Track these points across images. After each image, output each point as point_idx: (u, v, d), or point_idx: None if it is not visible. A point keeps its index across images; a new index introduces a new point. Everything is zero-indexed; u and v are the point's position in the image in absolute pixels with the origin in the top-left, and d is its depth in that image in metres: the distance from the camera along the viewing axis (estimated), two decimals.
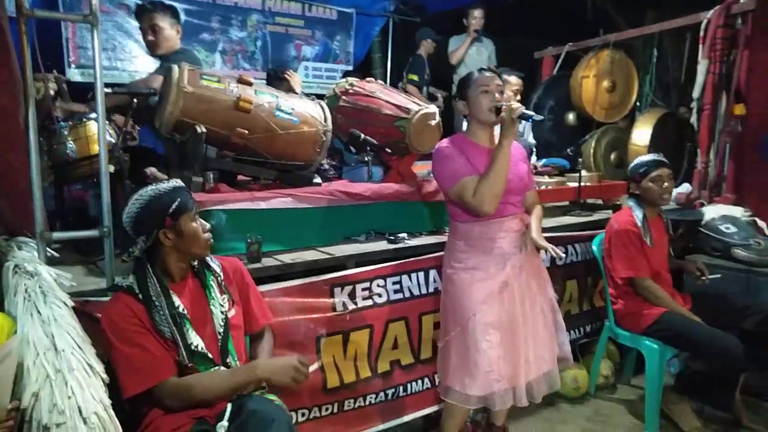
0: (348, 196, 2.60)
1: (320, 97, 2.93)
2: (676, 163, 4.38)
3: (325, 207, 2.56)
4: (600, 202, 3.91)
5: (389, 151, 2.97)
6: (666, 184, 2.76)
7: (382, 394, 2.48)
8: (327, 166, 3.20)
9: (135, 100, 2.33)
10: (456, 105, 2.33)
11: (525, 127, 4.36)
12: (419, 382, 2.59)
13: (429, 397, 2.62)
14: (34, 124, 1.71)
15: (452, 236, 2.32)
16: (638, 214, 2.77)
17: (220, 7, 5.31)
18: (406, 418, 2.57)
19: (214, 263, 1.89)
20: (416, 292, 2.55)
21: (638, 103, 4.89)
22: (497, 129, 2.22)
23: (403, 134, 2.80)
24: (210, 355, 1.72)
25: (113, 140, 2.40)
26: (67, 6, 4.48)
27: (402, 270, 2.52)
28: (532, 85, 5.04)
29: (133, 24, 4.79)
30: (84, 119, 2.38)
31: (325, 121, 2.63)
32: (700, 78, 3.99)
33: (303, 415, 2.25)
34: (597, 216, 3.52)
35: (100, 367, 1.54)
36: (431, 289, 2.57)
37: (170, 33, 2.84)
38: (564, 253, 3.11)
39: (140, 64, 4.90)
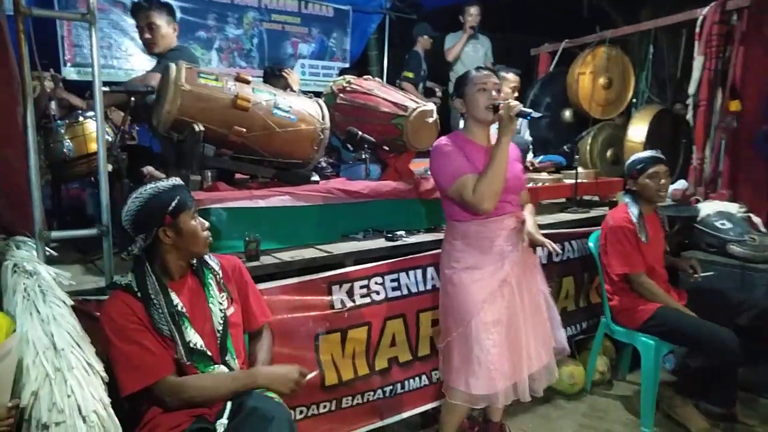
0: (346, 194, 2.61)
1: (317, 94, 2.93)
2: (672, 159, 4.40)
3: (323, 205, 2.56)
4: (596, 198, 3.92)
5: (387, 148, 2.98)
6: (663, 180, 2.78)
7: (380, 391, 2.49)
8: (324, 164, 3.21)
9: (133, 99, 2.32)
10: (453, 103, 2.34)
11: (522, 124, 4.36)
12: (417, 379, 2.61)
13: (427, 394, 2.63)
14: (32, 122, 1.71)
15: (450, 236, 2.31)
16: (634, 211, 2.78)
17: (216, 4, 5.31)
18: (404, 415, 2.58)
19: (212, 261, 1.89)
20: (414, 290, 2.56)
21: (634, 100, 4.90)
22: (494, 128, 2.23)
23: (401, 132, 2.81)
24: (209, 353, 1.73)
25: (110, 139, 2.40)
26: (62, 4, 4.47)
27: (400, 267, 2.53)
28: (529, 82, 5.05)
29: (129, 22, 4.77)
30: (81, 117, 2.37)
31: (323, 119, 2.63)
32: (695, 74, 4.01)
33: (301, 412, 2.26)
34: (593, 213, 3.53)
35: (99, 366, 1.55)
36: (429, 287, 2.58)
37: (167, 31, 2.83)
38: (561, 249, 3.13)
39: (136, 62, 4.89)
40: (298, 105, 2.59)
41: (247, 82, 2.48)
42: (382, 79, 5.56)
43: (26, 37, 1.72)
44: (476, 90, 2.17)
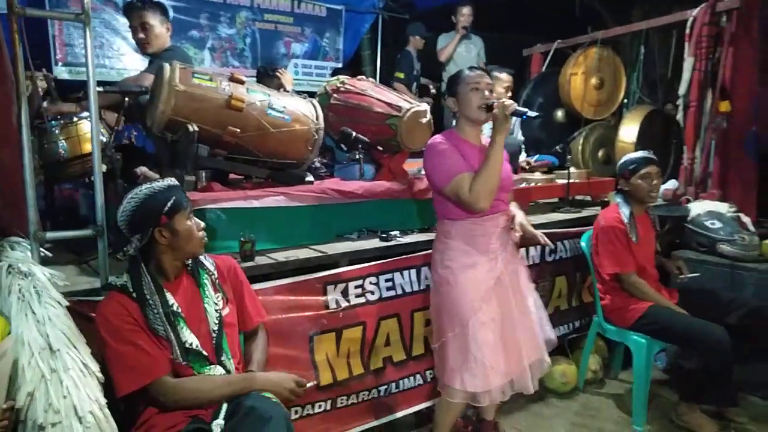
0: (340, 194, 2.61)
1: (311, 94, 2.94)
2: (663, 159, 4.44)
3: (317, 205, 2.56)
4: (588, 198, 3.95)
5: (381, 148, 2.99)
6: (655, 181, 2.81)
7: (374, 390, 2.50)
8: (318, 164, 3.21)
9: (127, 99, 2.31)
10: (446, 102, 2.35)
11: (515, 124, 4.39)
12: (411, 378, 2.62)
13: (421, 394, 2.65)
14: (26, 122, 1.71)
15: (443, 235, 2.29)
16: (625, 211, 2.81)
17: (209, 3, 5.29)
18: (399, 415, 2.60)
19: (208, 262, 1.89)
20: (408, 289, 2.57)
21: (626, 100, 4.94)
22: (487, 127, 2.24)
23: (395, 132, 2.82)
24: (204, 353, 1.73)
25: (105, 139, 2.39)
26: (54, 3, 4.45)
27: (394, 267, 2.54)
28: (521, 82, 5.08)
29: (121, 21, 4.76)
30: (75, 118, 2.36)
31: (317, 119, 2.64)
32: (686, 75, 4.05)
33: (296, 412, 2.26)
34: (585, 213, 3.56)
35: (95, 367, 1.55)
36: (423, 286, 2.60)
37: (160, 31, 2.82)
38: (553, 249, 3.16)
39: (128, 62, 4.88)
40: (293, 105, 2.59)
41: (242, 83, 2.48)
42: (375, 79, 5.58)
43: (19, 37, 1.71)
44: (469, 89, 2.19)
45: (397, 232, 2.71)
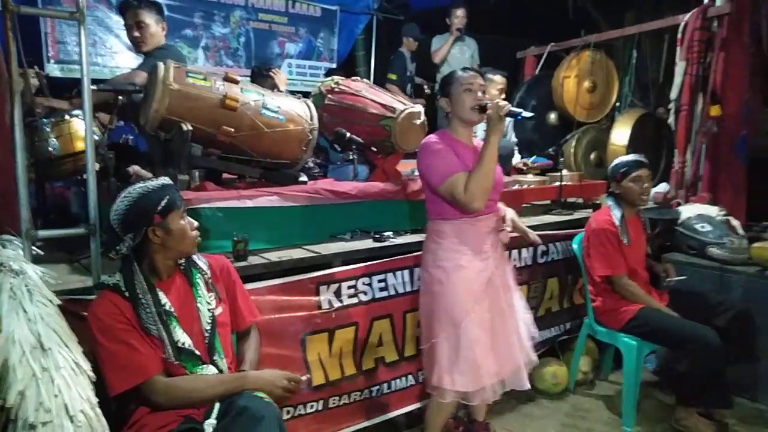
0: (334, 195, 2.62)
1: (305, 94, 2.94)
2: (654, 162, 4.47)
3: (311, 205, 2.57)
4: (580, 201, 3.98)
5: (375, 149, 3.00)
6: (646, 184, 2.83)
7: (366, 391, 2.51)
8: (312, 165, 3.21)
9: (120, 98, 2.30)
10: (438, 102, 2.35)
11: (508, 126, 4.41)
12: (403, 379, 2.63)
13: (413, 394, 2.66)
14: (19, 120, 1.70)
15: (435, 235, 2.28)
16: (616, 214, 2.83)
17: (203, 2, 5.28)
18: (390, 415, 2.61)
19: (200, 261, 1.89)
20: (401, 290, 2.58)
21: (618, 104, 4.97)
22: (481, 127, 2.25)
23: (389, 133, 2.82)
24: (197, 353, 1.73)
25: (97, 137, 2.38)
26: (47, 0, 4.42)
27: (387, 268, 2.55)
28: (515, 85, 5.10)
29: (114, 19, 4.75)
30: (67, 116, 2.35)
31: (312, 119, 2.64)
32: (677, 79, 4.08)
33: (288, 412, 2.26)
34: (577, 215, 3.58)
35: (87, 366, 1.55)
36: (416, 287, 2.60)
37: (156, 29, 2.81)
38: (545, 250, 3.18)
39: (121, 60, 4.86)
40: (287, 105, 2.59)
41: (236, 82, 2.48)
42: (369, 79, 5.57)
43: (14, 34, 1.71)
44: (462, 90, 2.19)
45: (390, 233, 2.72)
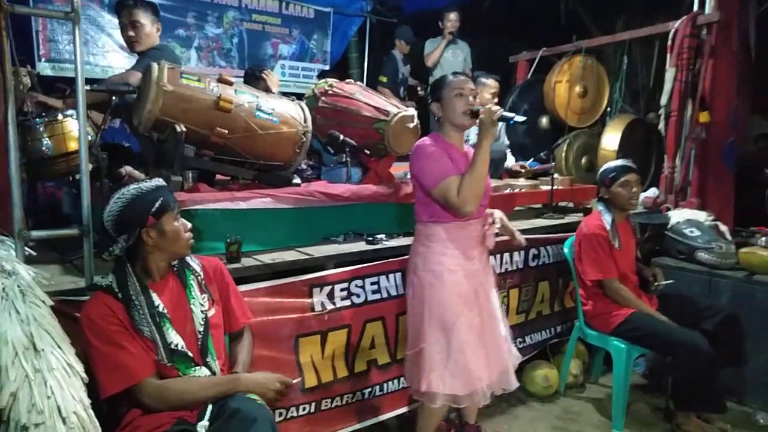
0: (327, 197, 2.62)
1: (298, 96, 2.94)
2: (644, 167, 4.52)
3: (304, 208, 2.57)
4: (571, 205, 4.01)
5: (368, 152, 3.00)
6: (634, 189, 2.86)
7: (359, 393, 2.52)
8: (305, 167, 3.22)
9: (114, 98, 2.30)
10: (430, 107, 2.35)
11: (501, 129, 4.44)
12: (395, 381, 2.63)
13: (404, 397, 2.66)
14: (13, 120, 1.69)
15: (426, 239, 2.26)
16: (607, 218, 2.86)
17: (196, 3, 5.27)
18: (382, 418, 2.61)
19: (194, 262, 1.89)
20: (393, 293, 2.59)
21: (609, 109, 5.02)
22: (473, 131, 2.26)
23: (382, 136, 2.83)
24: (190, 354, 1.73)
25: (91, 138, 2.37)
26: None
27: (380, 270, 2.56)
28: (507, 89, 5.13)
29: (107, 18, 4.73)
30: (60, 116, 2.34)
31: (305, 121, 2.64)
32: (667, 85, 4.12)
33: (280, 414, 2.26)
34: (568, 219, 3.60)
35: (79, 367, 1.54)
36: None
37: (150, 30, 2.81)
38: (536, 254, 3.20)
39: (113, 59, 4.84)
40: (281, 108, 2.60)
41: (230, 84, 2.48)
42: (362, 82, 5.58)
43: (7, 34, 1.70)
44: (453, 95, 2.20)
45: (383, 236, 2.73)
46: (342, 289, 2.44)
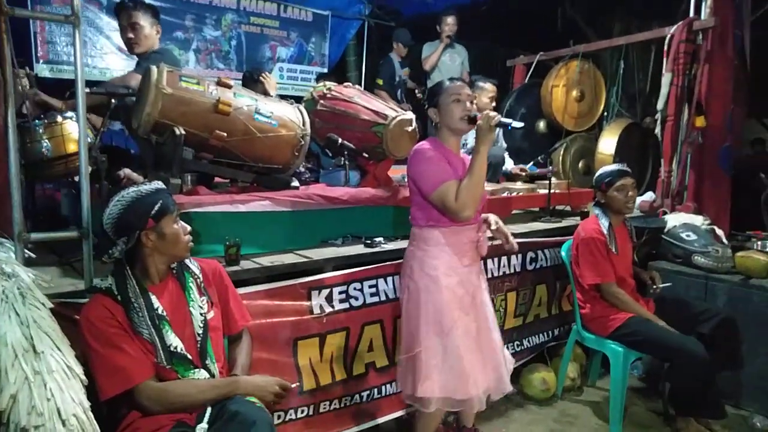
0: (326, 200, 2.63)
1: (296, 98, 2.95)
2: (641, 171, 4.54)
3: (302, 210, 2.58)
4: (569, 208, 4.02)
5: (366, 155, 3.01)
6: (630, 193, 2.88)
7: (357, 396, 2.52)
8: (303, 170, 3.22)
9: (113, 101, 2.30)
10: (427, 112, 2.35)
11: (498, 133, 4.45)
12: (393, 384, 2.63)
13: (402, 400, 2.66)
14: (13, 122, 1.69)
15: (423, 243, 2.26)
16: (604, 223, 2.87)
17: (194, 5, 5.28)
18: (380, 421, 2.61)
19: (193, 265, 1.89)
20: (392, 296, 2.59)
21: (606, 113, 5.04)
22: (470, 135, 2.27)
23: (380, 139, 2.84)
24: (189, 357, 1.73)
25: (90, 140, 2.37)
26: (36, 0, 4.39)
27: (378, 273, 2.56)
28: (505, 93, 5.15)
29: (105, 20, 4.74)
30: (59, 118, 2.34)
31: (304, 125, 2.65)
32: (663, 90, 4.14)
33: (279, 417, 2.26)
34: (566, 222, 3.62)
35: (79, 369, 1.54)
36: None
37: (150, 32, 2.82)
38: (534, 257, 3.21)
39: (111, 61, 4.85)
40: (280, 111, 2.60)
41: (229, 87, 2.48)
42: (360, 85, 5.60)
43: (7, 37, 1.70)
44: (451, 101, 2.20)
45: (381, 239, 2.74)
46: (340, 292, 2.45)
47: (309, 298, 2.36)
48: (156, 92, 2.24)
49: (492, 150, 2.40)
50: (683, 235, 3.39)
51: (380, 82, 5.55)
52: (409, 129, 2.89)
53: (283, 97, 3.05)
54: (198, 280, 1.87)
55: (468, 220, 2.19)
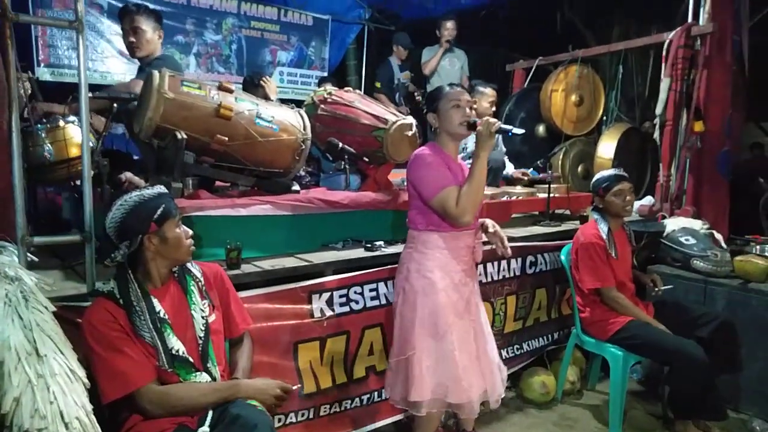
0: (326, 204, 2.64)
1: (296, 102, 2.96)
2: (640, 175, 4.57)
3: (303, 214, 2.58)
4: (568, 212, 4.04)
5: (366, 160, 3.02)
6: (628, 197, 2.89)
7: (357, 399, 2.52)
8: (304, 174, 3.24)
9: (115, 105, 2.31)
10: (427, 117, 2.36)
11: (498, 138, 4.47)
12: None
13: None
14: (17, 127, 1.71)
15: (421, 246, 2.27)
16: (603, 228, 2.88)
17: (195, 9, 5.29)
18: (379, 424, 2.62)
19: (194, 269, 1.90)
20: (392, 299, 2.59)
21: (605, 117, 5.06)
22: (470, 140, 2.28)
23: (381, 144, 2.85)
24: (191, 360, 1.74)
25: (92, 144, 2.38)
26: (37, 2, 4.41)
27: (378, 277, 2.58)
28: (504, 97, 5.17)
29: (106, 24, 4.76)
30: (62, 122, 2.35)
31: (304, 129, 2.66)
32: (662, 95, 4.16)
33: (279, 420, 2.27)
34: (565, 226, 3.63)
35: (81, 372, 1.55)
36: None
37: (152, 36, 2.84)
38: (534, 261, 3.23)
39: (112, 65, 4.87)
40: (281, 115, 2.61)
41: (230, 92, 2.49)
42: (360, 89, 5.62)
43: (12, 43, 1.71)
44: (450, 107, 2.22)
45: (381, 243, 2.74)
46: (341, 296, 2.46)
47: (310, 302, 2.37)
48: (158, 97, 2.25)
49: (492, 154, 2.41)
50: (682, 240, 3.41)
51: (378, 84, 5.57)
52: (410, 133, 2.90)
53: (283, 101, 3.06)
54: (199, 283, 1.88)
55: (468, 226, 2.20)
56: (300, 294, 2.35)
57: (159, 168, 2.44)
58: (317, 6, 6.03)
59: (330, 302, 2.42)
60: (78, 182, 2.44)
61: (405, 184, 2.72)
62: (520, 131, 2.23)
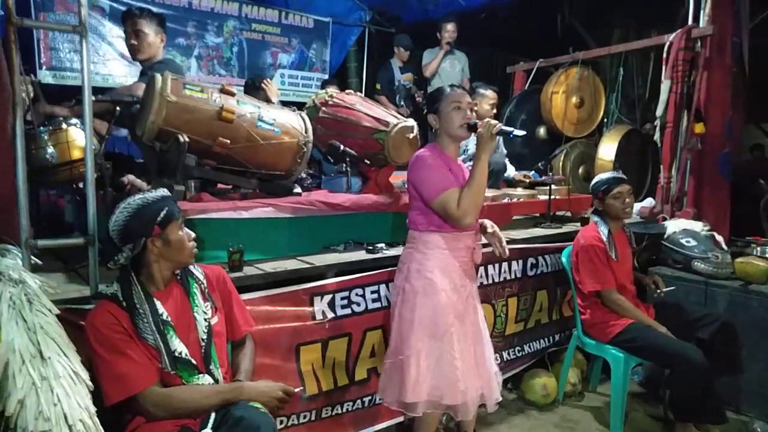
0: (328, 207, 2.64)
1: (297, 105, 2.97)
2: (640, 177, 4.57)
3: (305, 217, 2.59)
4: (569, 214, 4.04)
5: (368, 162, 3.03)
6: (627, 199, 2.90)
7: (359, 401, 2.53)
8: (305, 176, 3.24)
9: (118, 108, 2.32)
10: (427, 118, 2.37)
11: (499, 140, 4.48)
12: None
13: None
14: (21, 130, 1.71)
15: (423, 246, 2.27)
16: (603, 230, 2.89)
17: (197, 12, 5.31)
18: (380, 426, 2.62)
19: (197, 271, 1.91)
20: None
21: (605, 119, 5.07)
22: (471, 142, 2.28)
23: (382, 146, 2.86)
24: (193, 362, 1.74)
25: (95, 147, 2.39)
26: (39, 6, 4.43)
27: (380, 279, 2.58)
28: (505, 99, 5.18)
29: (108, 27, 4.77)
30: (64, 124, 2.36)
31: (306, 132, 2.67)
32: (663, 97, 4.17)
33: (281, 422, 2.27)
34: (566, 228, 3.63)
35: (85, 375, 1.56)
36: None
37: (154, 40, 2.85)
38: (535, 263, 3.23)
39: (114, 68, 4.88)
40: (282, 118, 2.62)
41: (232, 95, 2.50)
42: (361, 91, 5.63)
43: (16, 47, 1.73)
44: (451, 108, 2.22)
45: (383, 245, 2.75)
46: (342, 298, 2.46)
47: (311, 304, 2.37)
48: (160, 100, 2.26)
49: (493, 157, 2.42)
50: (683, 241, 3.41)
51: (378, 86, 5.58)
52: (411, 136, 2.90)
53: (284, 103, 3.07)
54: (202, 285, 1.89)
55: (469, 227, 2.21)
56: (302, 296, 2.35)
57: (161, 171, 2.45)
58: (318, 8, 6.05)
59: (331, 304, 2.43)
60: (80, 185, 2.46)
61: (405, 186, 2.74)
62: (521, 133, 2.23)
